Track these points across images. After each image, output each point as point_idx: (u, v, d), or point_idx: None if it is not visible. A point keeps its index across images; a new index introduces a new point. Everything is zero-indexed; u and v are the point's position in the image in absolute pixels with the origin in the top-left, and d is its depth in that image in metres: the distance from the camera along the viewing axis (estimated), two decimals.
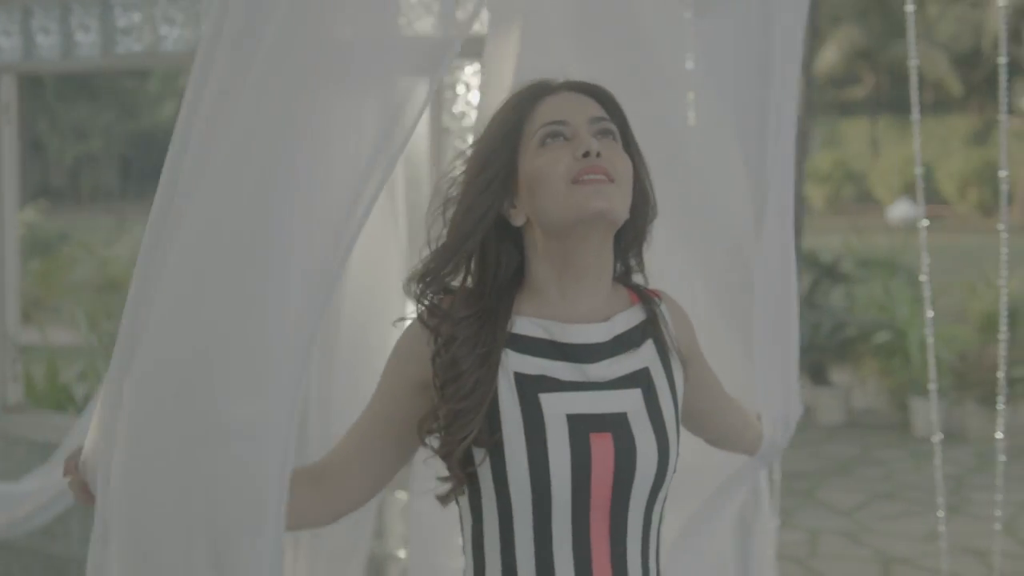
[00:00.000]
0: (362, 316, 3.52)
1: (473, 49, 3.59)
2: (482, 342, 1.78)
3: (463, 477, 1.78)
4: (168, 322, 1.74)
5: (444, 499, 1.83)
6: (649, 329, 1.87)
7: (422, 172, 3.69)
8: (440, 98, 3.65)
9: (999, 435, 2.65)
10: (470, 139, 3.58)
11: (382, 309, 3.57)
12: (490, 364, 1.77)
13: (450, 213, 1.84)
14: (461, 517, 1.85)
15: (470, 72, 3.64)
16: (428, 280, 1.83)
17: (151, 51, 4.37)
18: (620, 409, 1.78)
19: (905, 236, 11.78)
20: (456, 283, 1.85)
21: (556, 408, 1.76)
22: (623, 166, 1.80)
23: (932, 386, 2.63)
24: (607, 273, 1.86)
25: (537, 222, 1.80)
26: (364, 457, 1.85)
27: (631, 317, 1.87)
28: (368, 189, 1.78)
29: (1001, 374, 2.60)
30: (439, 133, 3.66)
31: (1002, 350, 2.67)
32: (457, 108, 3.67)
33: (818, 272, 9.95)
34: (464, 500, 1.82)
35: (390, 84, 3.38)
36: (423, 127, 3.67)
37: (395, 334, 2.96)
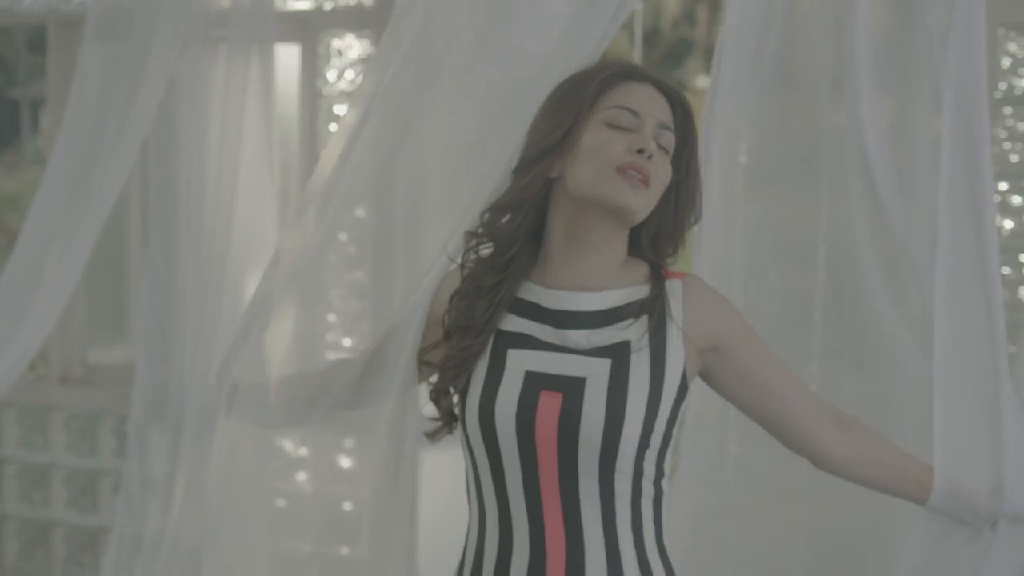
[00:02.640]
0: (240, 269, 3.66)
1: (348, 19, 3.77)
2: (488, 305, 1.93)
3: (448, 419, 1.96)
4: None
5: (430, 436, 2.00)
6: (647, 307, 1.94)
7: (292, 133, 3.84)
8: (315, 64, 3.78)
9: None
10: (343, 106, 3.76)
11: (258, 263, 3.71)
12: (488, 327, 1.92)
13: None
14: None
15: (345, 41, 3.77)
16: (483, 230, 1.97)
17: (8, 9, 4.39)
18: (581, 374, 1.87)
19: None
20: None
21: (518, 363, 1.88)
22: (663, 176, 1.93)
23: None
24: (615, 254, 1.96)
25: (568, 184, 1.92)
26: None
27: (634, 293, 1.95)
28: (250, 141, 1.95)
29: None
30: (313, 97, 3.78)
31: None
32: (330, 74, 3.80)
33: None
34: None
35: (265, 51, 3.53)
36: (295, 91, 3.81)
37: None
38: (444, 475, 3.57)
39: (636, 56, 3.53)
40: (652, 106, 1.94)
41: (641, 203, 1.89)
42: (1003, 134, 3.14)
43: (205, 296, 3.70)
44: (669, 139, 1.95)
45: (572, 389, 1.85)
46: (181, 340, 3.77)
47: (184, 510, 3.70)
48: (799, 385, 2.04)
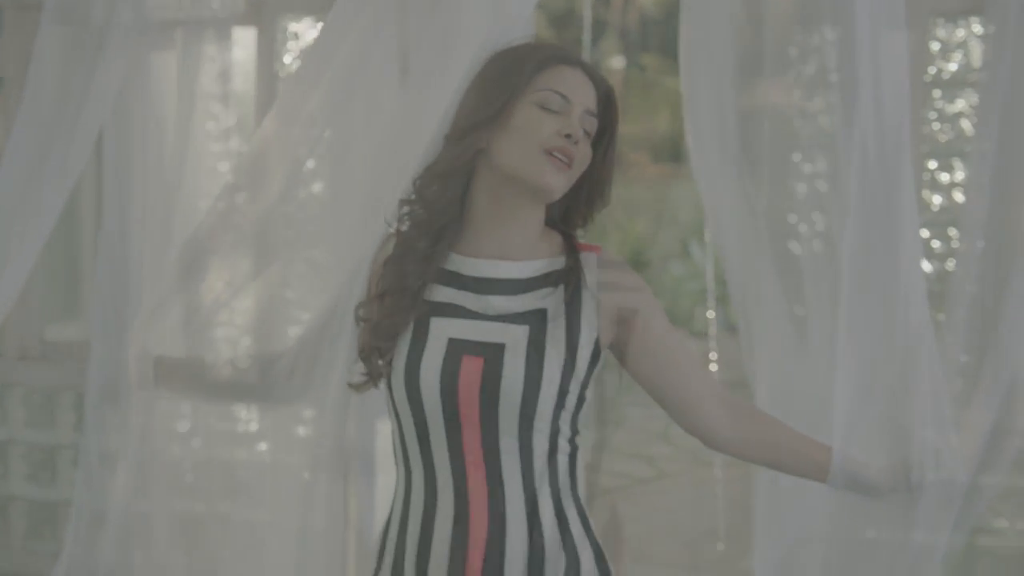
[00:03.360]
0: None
1: (305, 3, 3.85)
2: (419, 272, 2.03)
3: (375, 376, 2.05)
4: None
5: (356, 388, 2.10)
6: (563, 277, 2.07)
7: (249, 115, 3.93)
8: (272, 47, 3.87)
9: None
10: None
11: None
12: (419, 293, 2.03)
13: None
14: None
15: (303, 24, 3.88)
16: (415, 196, 2.06)
17: None
18: (501, 340, 1.99)
19: None
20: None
21: (442, 331, 2.00)
22: (583, 158, 2.05)
23: None
24: (533, 224, 2.07)
25: (494, 157, 2.03)
26: None
27: (551, 264, 2.08)
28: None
29: None
30: (270, 79, 3.88)
31: None
32: (287, 58, 3.91)
33: None
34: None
35: (222, 34, 3.59)
36: (252, 74, 3.90)
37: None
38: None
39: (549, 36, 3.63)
40: (581, 92, 2.05)
41: (562, 184, 2.02)
42: (933, 115, 3.32)
43: (159, 275, 3.78)
44: (592, 124, 2.06)
45: (493, 354, 1.97)
46: (134, 317, 3.85)
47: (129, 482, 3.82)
48: (699, 366, 2.16)
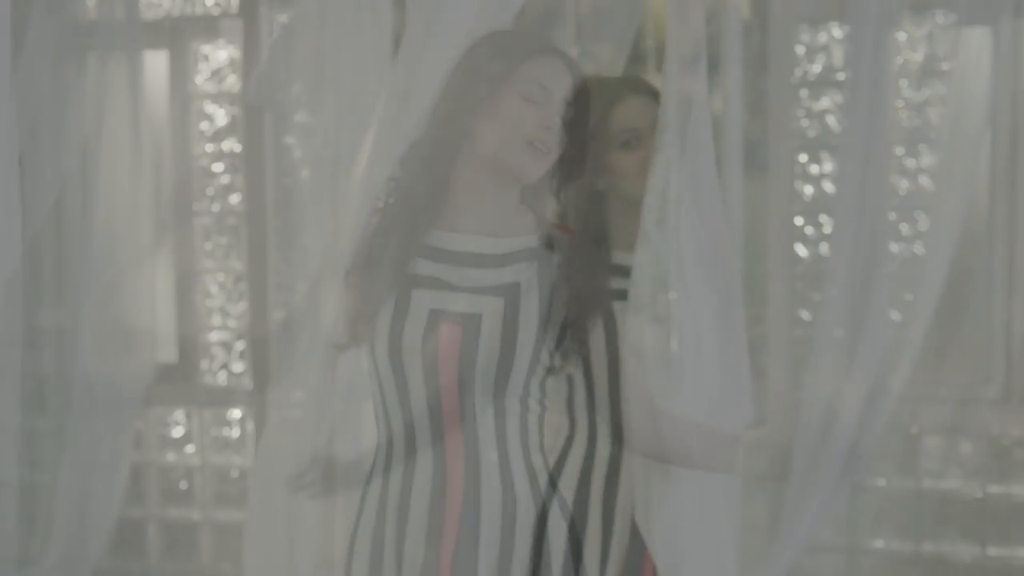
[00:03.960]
0: (120, 269, 3.87)
1: (215, 26, 4.01)
2: (403, 245, 2.16)
3: (357, 341, 2.17)
4: None
5: (339, 348, 2.21)
6: (536, 253, 2.18)
7: (163, 135, 4.08)
8: (184, 68, 4.06)
9: None
10: (213, 105, 4.04)
11: (134, 262, 3.94)
12: (401, 272, 2.16)
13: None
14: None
15: (214, 45, 4.06)
16: (403, 175, 2.18)
17: None
18: (478, 311, 2.11)
19: None
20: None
21: (423, 302, 2.13)
22: (560, 144, 2.15)
23: None
24: (510, 202, 2.18)
25: (478, 142, 2.14)
26: None
27: (526, 241, 2.18)
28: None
29: None
30: (183, 99, 4.07)
31: None
32: (199, 78, 4.10)
33: None
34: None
35: (134, 57, 3.74)
36: (165, 92, 4.07)
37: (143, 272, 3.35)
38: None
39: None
40: (561, 83, 2.15)
41: (540, 170, 2.14)
42: (801, 112, 3.61)
43: (87, 290, 3.90)
44: (568, 112, 2.16)
45: (471, 324, 2.11)
46: (58, 332, 3.98)
47: (97, 488, 3.92)
48: (637, 371, 2.25)
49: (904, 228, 3.31)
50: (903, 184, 3.55)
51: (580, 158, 2.23)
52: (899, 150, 3.40)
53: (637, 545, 2.30)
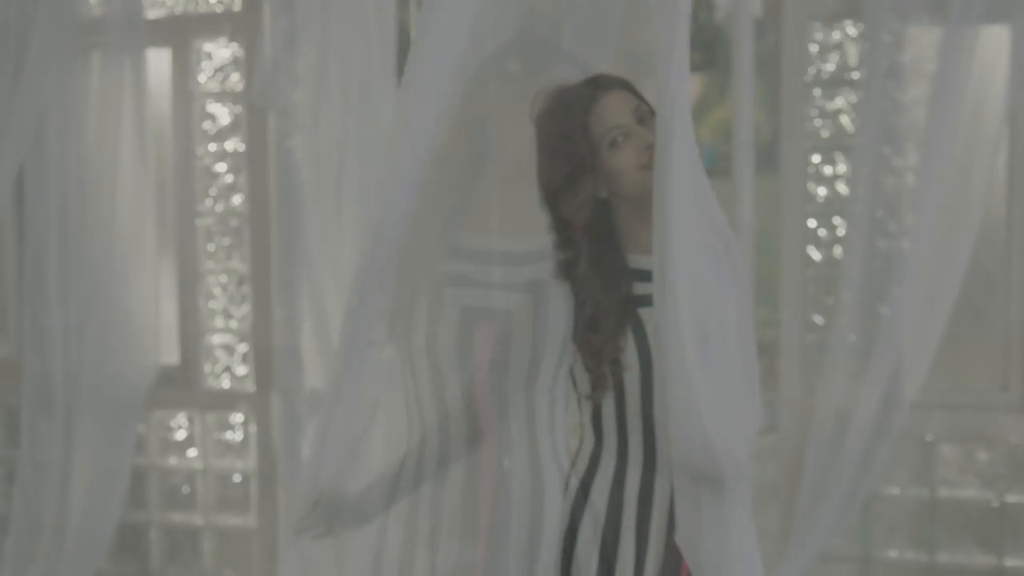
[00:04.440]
0: (123, 265, 3.89)
1: (218, 24, 3.98)
2: (431, 247, 2.26)
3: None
4: None
5: (374, 345, 2.25)
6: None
7: (166, 132, 4.05)
8: (186, 67, 4.01)
9: None
10: (216, 105, 3.99)
11: (138, 258, 3.94)
12: (431, 273, 2.26)
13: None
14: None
15: (216, 43, 4.01)
16: (427, 180, 2.20)
17: None
18: (508, 307, 2.22)
19: None
20: None
21: (455, 300, 2.23)
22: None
23: None
24: (533, 203, 2.24)
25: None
26: None
27: (548, 239, 2.27)
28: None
29: None
30: (186, 98, 4.02)
31: None
32: (201, 77, 4.05)
33: None
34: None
35: (137, 55, 3.74)
36: (168, 91, 4.03)
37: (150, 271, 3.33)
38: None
39: None
40: (623, 107, 2.23)
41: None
42: (814, 112, 3.54)
43: (90, 292, 3.90)
44: (644, 109, 2.24)
45: (502, 320, 2.22)
46: (64, 333, 3.97)
47: (99, 491, 3.93)
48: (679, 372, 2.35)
49: (919, 230, 3.23)
50: (820, 191, 3.51)
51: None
52: (911, 150, 3.34)
53: (670, 565, 2.24)
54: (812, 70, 3.54)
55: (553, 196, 2.23)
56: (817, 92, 3.55)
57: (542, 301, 2.22)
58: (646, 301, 2.21)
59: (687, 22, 2.02)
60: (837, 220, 3.55)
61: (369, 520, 2.28)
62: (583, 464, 2.28)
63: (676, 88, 2.00)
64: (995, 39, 3.25)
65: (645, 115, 2.23)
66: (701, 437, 2.03)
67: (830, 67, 3.54)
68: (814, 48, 3.54)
